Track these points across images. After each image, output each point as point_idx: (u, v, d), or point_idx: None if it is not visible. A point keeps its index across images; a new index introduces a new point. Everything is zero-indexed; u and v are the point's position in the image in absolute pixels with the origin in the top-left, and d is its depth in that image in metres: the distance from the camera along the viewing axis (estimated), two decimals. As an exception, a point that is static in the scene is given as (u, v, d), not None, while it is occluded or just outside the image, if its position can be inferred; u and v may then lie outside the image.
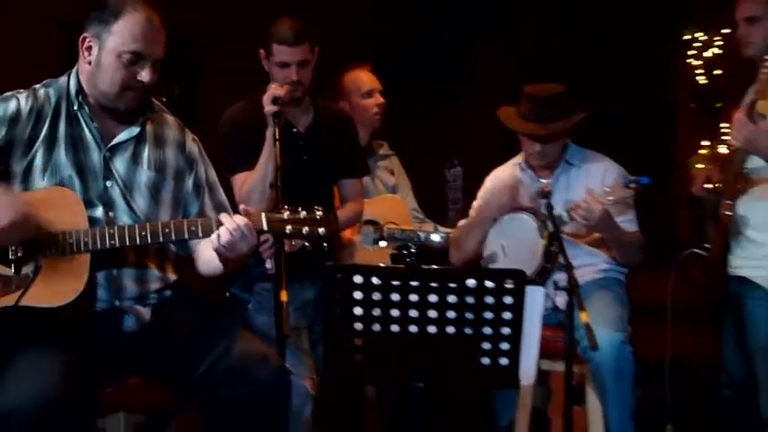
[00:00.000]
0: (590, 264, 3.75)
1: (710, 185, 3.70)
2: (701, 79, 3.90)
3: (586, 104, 3.76)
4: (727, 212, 3.60)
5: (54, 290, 2.42)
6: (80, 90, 2.63)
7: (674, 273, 3.72)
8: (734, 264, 3.66)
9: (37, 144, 2.57)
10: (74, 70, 2.67)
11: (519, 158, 3.94)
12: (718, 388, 3.89)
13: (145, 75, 2.57)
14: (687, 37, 3.87)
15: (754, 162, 3.54)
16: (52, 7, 4.02)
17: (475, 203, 4.00)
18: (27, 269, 2.43)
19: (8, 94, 2.59)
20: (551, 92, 3.73)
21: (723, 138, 3.55)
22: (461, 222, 3.98)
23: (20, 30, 4.05)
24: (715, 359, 3.93)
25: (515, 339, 2.68)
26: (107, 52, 2.55)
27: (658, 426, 3.93)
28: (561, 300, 3.15)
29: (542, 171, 3.84)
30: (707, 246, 3.72)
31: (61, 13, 3.58)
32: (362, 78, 4.21)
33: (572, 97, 3.75)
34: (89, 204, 2.56)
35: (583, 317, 2.95)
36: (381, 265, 3.64)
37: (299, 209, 2.60)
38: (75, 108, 2.62)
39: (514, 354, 2.70)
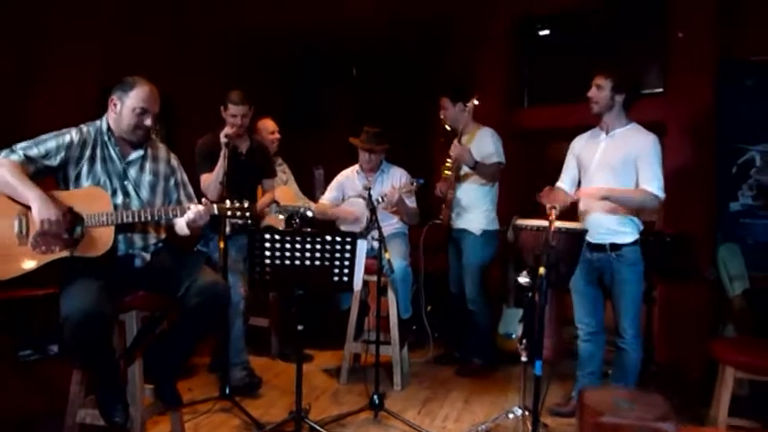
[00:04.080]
0: (390, 223, 3.79)
1: (440, 192, 3.88)
2: (446, 127, 4.04)
3: (389, 139, 3.79)
4: (450, 194, 3.83)
5: (93, 246, 2.33)
6: (108, 128, 2.51)
7: (424, 229, 3.89)
8: (454, 222, 3.86)
9: (83, 161, 2.42)
10: (104, 117, 2.51)
11: (356, 166, 3.91)
12: (447, 285, 4.07)
13: (148, 121, 2.49)
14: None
15: (464, 169, 3.77)
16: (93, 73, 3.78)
17: (327, 189, 3.99)
18: (77, 235, 2.32)
19: (64, 130, 2.43)
20: (376, 130, 3.76)
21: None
22: (322, 200, 3.95)
23: (68, 89, 3.79)
24: (445, 271, 4.11)
25: (351, 267, 2.73)
26: (126, 108, 2.45)
27: (421, 307, 4.04)
28: (375, 244, 3.15)
29: (368, 173, 3.83)
30: (441, 217, 3.89)
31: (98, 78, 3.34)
32: (268, 124, 4.11)
33: (384, 134, 3.78)
34: (114, 195, 2.45)
35: (386, 255, 3.05)
36: (279, 227, 3.68)
37: (236, 201, 2.57)
38: (106, 139, 2.49)
39: (350, 275, 2.75)
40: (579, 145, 3.17)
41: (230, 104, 3.35)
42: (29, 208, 2.26)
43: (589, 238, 2.95)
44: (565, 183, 3.19)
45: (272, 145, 4.03)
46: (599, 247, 2.97)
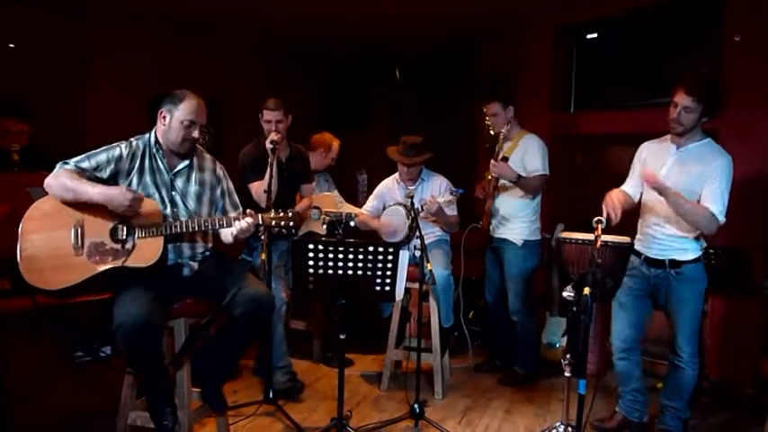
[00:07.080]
0: (431, 232, 3.73)
1: (481, 195, 3.83)
2: (491, 132, 3.95)
3: (431, 147, 3.71)
4: (489, 202, 3.74)
5: (143, 256, 2.37)
6: (156, 141, 2.55)
7: (464, 233, 3.80)
8: (494, 230, 3.77)
9: (133, 172, 2.47)
10: (153, 130, 2.55)
11: (396, 175, 3.86)
12: (483, 293, 4.02)
13: (195, 133, 2.52)
14: (485, 109, 3.87)
15: (503, 180, 3.65)
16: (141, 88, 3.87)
17: (369, 199, 3.98)
18: (128, 245, 2.37)
19: (114, 144, 2.48)
20: (414, 140, 3.66)
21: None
22: (363, 209, 3.94)
23: (120, 102, 3.88)
24: (482, 278, 4.04)
25: (393, 277, 2.70)
26: (175, 120, 2.48)
27: (461, 313, 3.98)
28: (417, 252, 3.13)
29: (408, 182, 3.76)
30: (481, 222, 3.81)
31: (147, 92, 3.42)
32: (335, 147, 4.16)
33: (425, 143, 3.68)
34: (162, 204, 2.49)
35: (428, 266, 2.99)
36: (320, 232, 3.73)
37: (280, 210, 2.59)
38: (155, 151, 2.53)
39: (392, 285, 2.72)
40: (647, 152, 2.95)
41: (265, 110, 3.38)
42: (88, 212, 2.33)
43: (647, 252, 2.83)
44: (627, 188, 2.98)
45: (328, 162, 4.12)
46: (657, 263, 2.80)
